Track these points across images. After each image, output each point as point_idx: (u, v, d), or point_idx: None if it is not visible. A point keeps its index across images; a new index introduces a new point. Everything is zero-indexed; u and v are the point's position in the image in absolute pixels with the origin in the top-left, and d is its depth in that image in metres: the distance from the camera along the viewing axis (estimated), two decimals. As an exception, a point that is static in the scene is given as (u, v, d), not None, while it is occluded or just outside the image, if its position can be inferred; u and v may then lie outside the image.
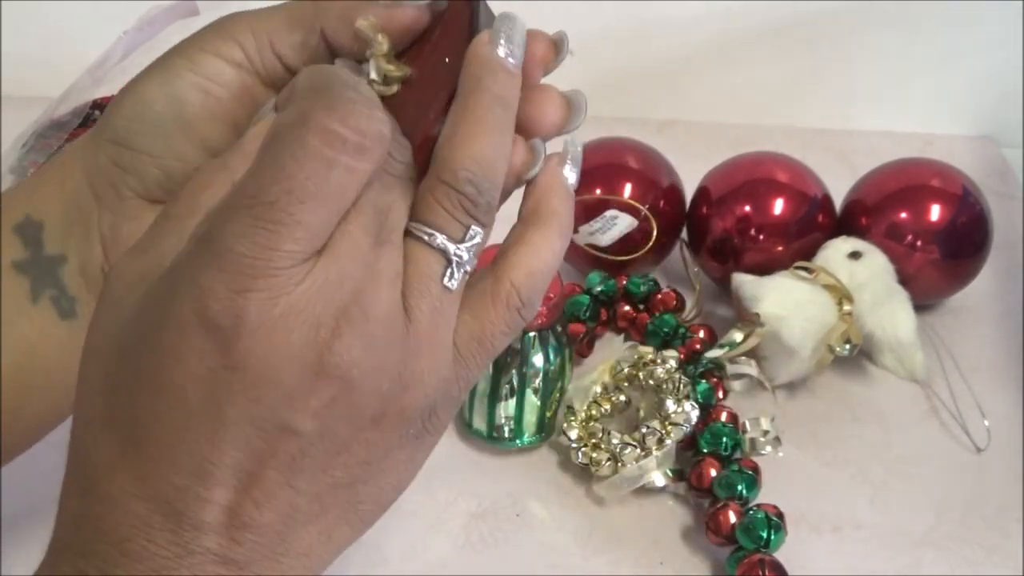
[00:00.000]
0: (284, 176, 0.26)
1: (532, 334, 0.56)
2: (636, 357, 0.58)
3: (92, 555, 0.27)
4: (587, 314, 0.63)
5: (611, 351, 0.59)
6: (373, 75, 0.32)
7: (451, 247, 0.29)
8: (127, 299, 0.28)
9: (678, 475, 0.54)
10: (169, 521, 0.27)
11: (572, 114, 0.33)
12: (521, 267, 0.31)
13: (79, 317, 0.38)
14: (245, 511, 0.27)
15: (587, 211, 0.64)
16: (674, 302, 0.64)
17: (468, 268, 0.30)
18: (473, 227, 0.29)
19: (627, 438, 0.54)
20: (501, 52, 0.31)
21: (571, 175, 0.33)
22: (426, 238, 0.29)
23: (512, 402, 0.56)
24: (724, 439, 0.54)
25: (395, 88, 0.32)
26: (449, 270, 0.29)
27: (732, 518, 0.50)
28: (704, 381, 0.57)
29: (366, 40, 0.33)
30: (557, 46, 0.34)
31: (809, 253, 0.63)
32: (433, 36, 0.33)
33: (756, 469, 0.53)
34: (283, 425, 0.27)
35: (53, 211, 0.38)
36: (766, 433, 0.55)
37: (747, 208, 0.64)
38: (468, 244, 0.29)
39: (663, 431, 0.53)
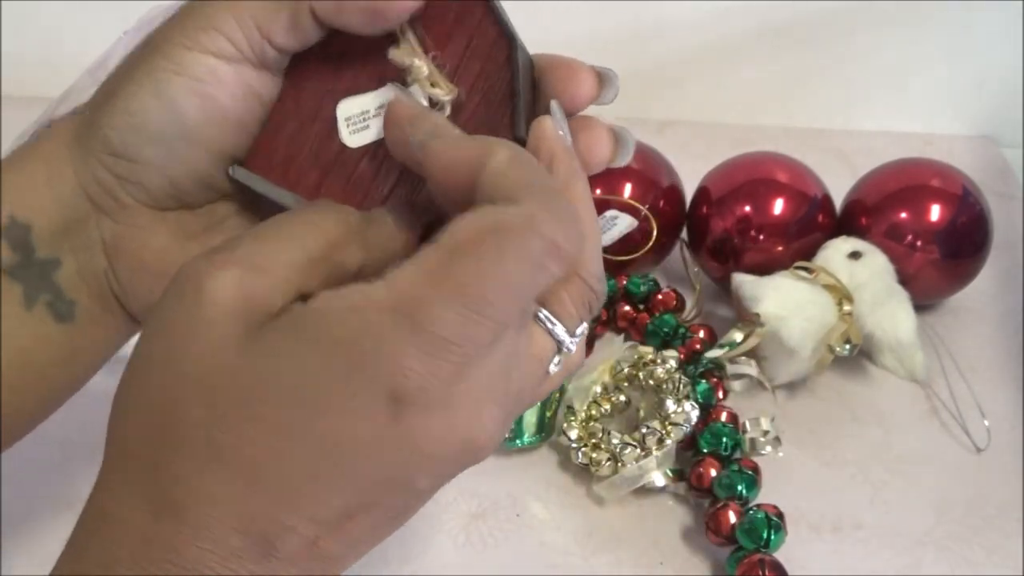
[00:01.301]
0: (502, 274, 0.27)
1: (532, 334, 0.56)
2: (636, 357, 0.58)
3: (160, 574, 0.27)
4: (587, 314, 0.63)
5: (611, 351, 0.59)
6: (425, 102, 0.33)
7: (567, 339, 0.31)
8: (230, 327, 0.27)
9: (678, 475, 0.54)
10: (260, 555, 0.27)
11: (620, 150, 0.36)
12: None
13: (77, 319, 0.38)
14: (326, 546, 0.28)
15: (587, 211, 0.64)
16: (674, 302, 0.64)
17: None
18: (585, 323, 0.32)
19: (627, 438, 0.54)
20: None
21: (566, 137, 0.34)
22: (548, 325, 0.31)
23: (512, 402, 0.56)
24: (724, 439, 0.54)
25: (447, 110, 0.33)
26: (557, 357, 0.31)
27: (732, 518, 0.50)
28: (704, 381, 0.57)
29: (404, 69, 0.33)
30: (603, 81, 0.35)
31: (809, 253, 0.63)
32: (460, 47, 0.33)
33: (756, 469, 0.53)
34: (410, 487, 0.29)
35: (42, 213, 0.36)
36: (766, 433, 0.55)
37: (747, 208, 0.64)
38: (577, 337, 0.31)
39: (663, 431, 0.53)
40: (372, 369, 0.26)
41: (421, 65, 0.33)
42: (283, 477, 0.27)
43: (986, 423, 0.58)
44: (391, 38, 0.34)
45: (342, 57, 0.35)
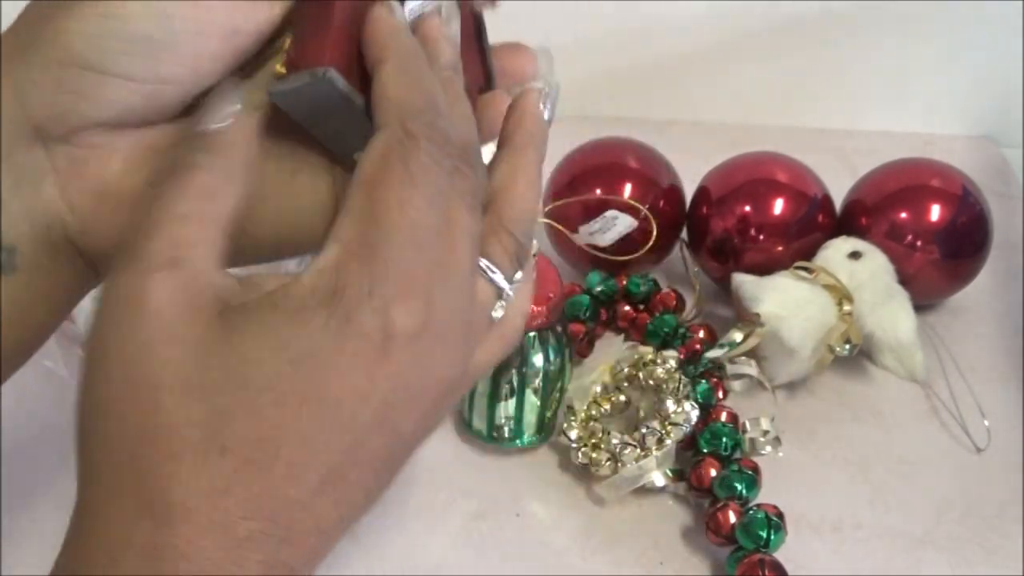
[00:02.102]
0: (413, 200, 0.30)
1: (532, 334, 0.56)
2: (636, 357, 0.58)
3: None
4: (587, 314, 0.63)
5: (611, 351, 0.59)
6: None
7: (506, 286, 0.33)
8: (189, 327, 0.27)
9: (678, 475, 0.54)
10: (268, 539, 0.27)
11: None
12: (513, 204, 0.33)
13: (20, 271, 0.33)
14: (324, 513, 0.28)
15: (587, 211, 0.64)
16: (674, 302, 0.64)
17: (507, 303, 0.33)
18: (519, 271, 0.33)
19: (627, 438, 0.54)
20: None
21: (546, 112, 0.36)
22: (489, 274, 0.32)
23: (512, 402, 0.56)
24: (724, 439, 0.54)
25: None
26: (499, 303, 0.33)
27: (732, 518, 0.50)
28: (704, 381, 0.57)
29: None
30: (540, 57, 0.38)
31: (809, 253, 0.63)
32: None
33: (756, 469, 0.53)
34: (396, 430, 0.29)
35: None
36: (766, 433, 0.55)
37: (747, 208, 0.64)
38: (514, 284, 0.33)
39: (663, 431, 0.53)
40: (357, 317, 0.27)
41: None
42: (286, 449, 0.27)
43: (986, 423, 0.58)
44: None
45: None
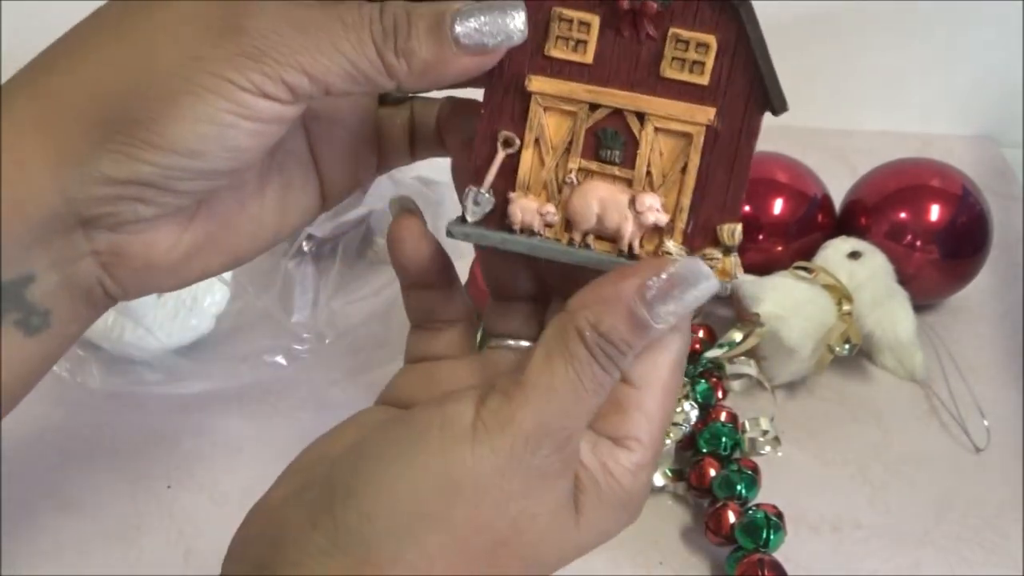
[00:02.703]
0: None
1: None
2: (636, 357, 0.57)
3: None
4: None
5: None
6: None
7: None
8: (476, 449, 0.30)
9: (677, 475, 0.54)
10: None
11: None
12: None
13: (53, 327, 0.34)
14: None
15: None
16: (674, 302, 0.64)
17: None
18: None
19: (627, 438, 0.54)
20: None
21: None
22: None
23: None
24: (723, 439, 0.54)
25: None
26: None
27: (731, 518, 0.50)
28: (704, 381, 0.57)
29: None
30: None
31: (809, 253, 0.63)
32: None
33: (755, 469, 0.53)
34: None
35: (7, 229, 0.31)
36: (765, 433, 0.55)
37: (747, 208, 0.64)
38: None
39: (663, 431, 0.53)
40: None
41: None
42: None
43: (985, 423, 0.58)
44: None
45: None
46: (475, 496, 0.29)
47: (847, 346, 0.58)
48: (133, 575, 0.51)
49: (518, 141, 0.34)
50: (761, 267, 0.62)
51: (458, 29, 0.31)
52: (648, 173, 0.33)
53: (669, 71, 0.33)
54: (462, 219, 0.35)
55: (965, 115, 0.85)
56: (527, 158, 0.34)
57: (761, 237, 0.64)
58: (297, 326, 0.63)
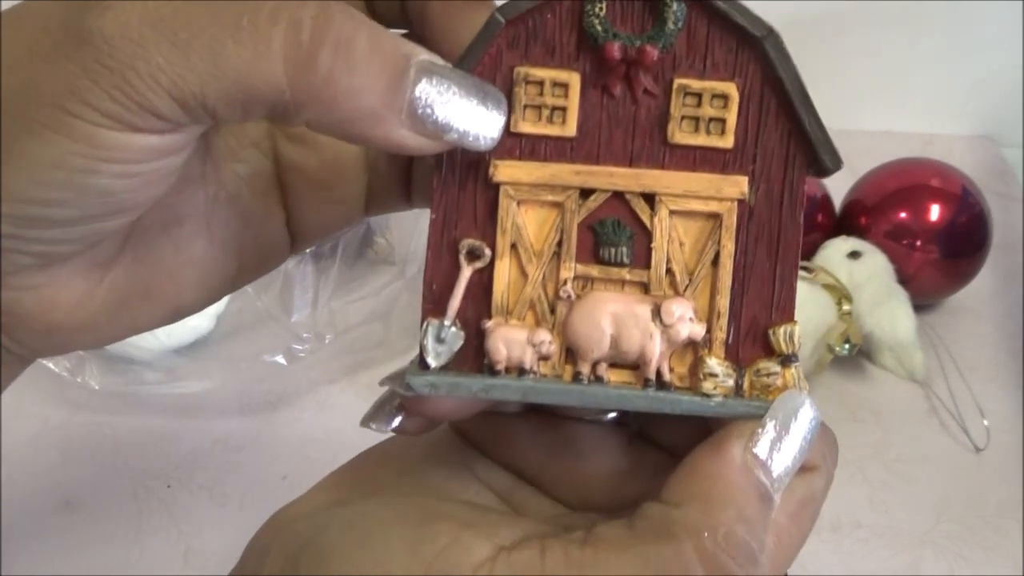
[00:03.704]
0: None
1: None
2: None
3: None
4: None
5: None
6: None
7: None
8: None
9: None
10: None
11: None
12: None
13: None
14: None
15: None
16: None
17: None
18: None
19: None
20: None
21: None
22: None
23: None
24: (724, 439, 0.54)
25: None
26: None
27: (732, 518, 0.50)
28: (704, 381, 0.57)
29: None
30: None
31: (809, 253, 0.63)
32: None
33: (756, 469, 0.52)
34: None
35: None
36: (766, 433, 0.55)
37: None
38: None
39: (663, 431, 0.53)
40: None
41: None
42: None
43: (985, 423, 0.58)
44: None
45: None
46: None
47: (847, 346, 0.58)
48: (133, 575, 0.51)
49: (488, 251, 0.26)
50: (761, 267, 0.62)
51: (416, 93, 0.23)
52: (669, 271, 0.26)
53: (680, 135, 0.25)
54: (423, 363, 0.26)
55: (965, 115, 0.86)
56: (503, 271, 0.26)
57: (761, 237, 0.64)
58: (297, 326, 0.62)
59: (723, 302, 0.26)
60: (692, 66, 0.25)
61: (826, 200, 0.66)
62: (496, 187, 0.25)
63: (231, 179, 0.29)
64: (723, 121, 0.25)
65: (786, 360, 0.26)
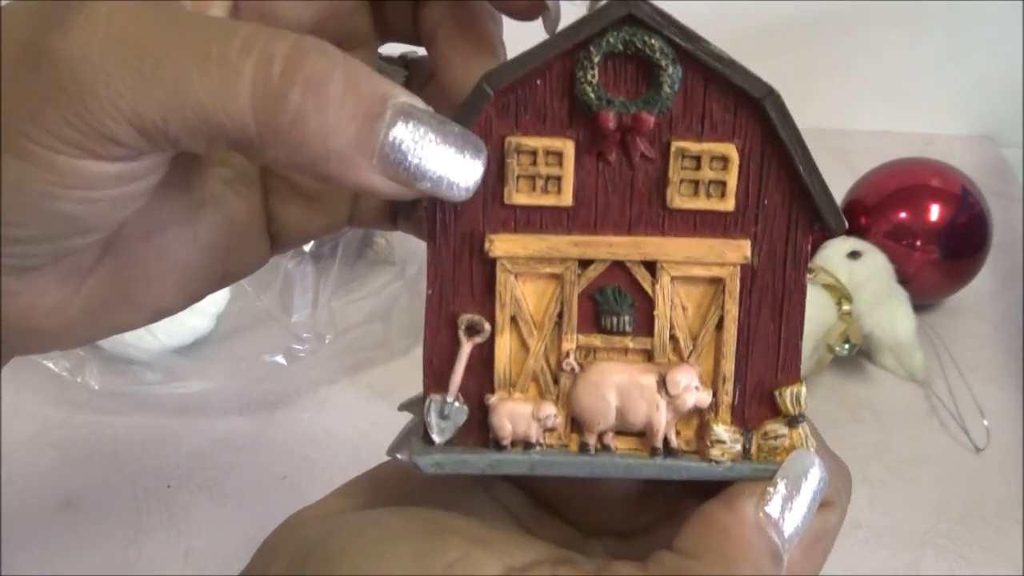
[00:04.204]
0: None
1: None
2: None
3: None
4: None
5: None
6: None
7: None
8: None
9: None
10: None
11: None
12: None
13: None
14: None
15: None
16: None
17: None
18: None
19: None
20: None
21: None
22: None
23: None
24: (724, 439, 0.54)
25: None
26: None
27: (732, 518, 0.50)
28: (704, 381, 0.57)
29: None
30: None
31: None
32: None
33: (756, 469, 0.52)
34: None
35: None
36: (766, 433, 0.55)
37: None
38: None
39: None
40: None
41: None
42: None
43: (985, 423, 0.58)
44: None
45: None
46: None
47: (847, 346, 0.58)
48: (133, 575, 0.51)
49: (487, 325, 0.25)
50: (761, 267, 0.62)
51: (392, 135, 0.22)
52: (672, 338, 0.26)
53: (679, 199, 0.25)
54: (427, 439, 0.26)
55: (965, 115, 0.86)
56: (504, 346, 0.26)
57: (761, 237, 0.64)
58: (297, 326, 0.63)
59: (728, 366, 0.25)
60: (689, 128, 0.24)
61: (826, 200, 0.66)
62: (492, 261, 0.25)
63: (216, 184, 0.29)
64: (723, 183, 0.25)
65: (793, 421, 0.26)
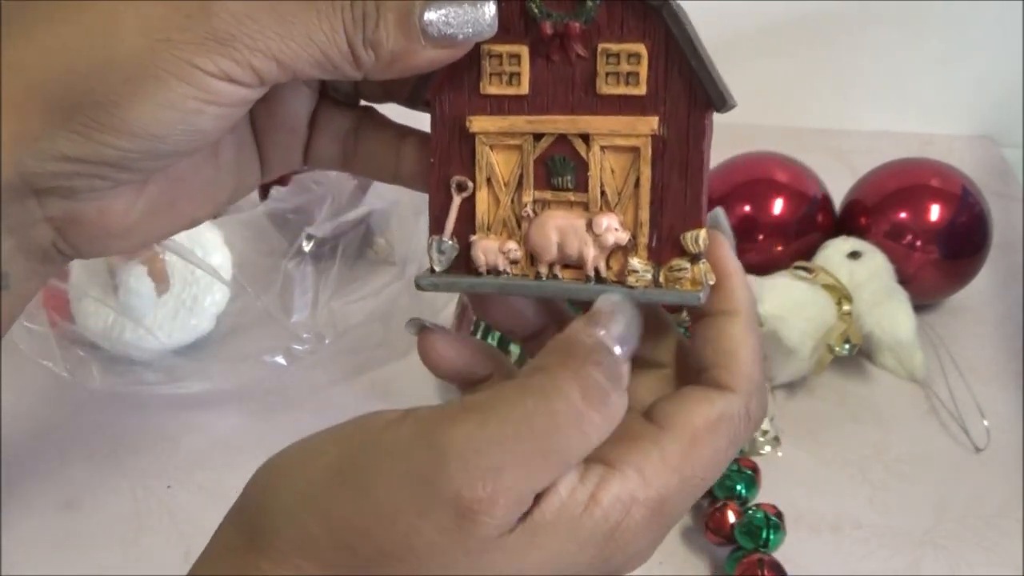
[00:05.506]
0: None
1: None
2: (636, 357, 0.57)
3: None
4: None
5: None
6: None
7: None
8: (510, 540, 0.29)
9: (678, 475, 0.54)
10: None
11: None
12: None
13: (12, 287, 0.34)
14: None
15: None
16: (674, 302, 0.64)
17: None
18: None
19: (627, 438, 0.54)
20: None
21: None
22: None
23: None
24: (723, 439, 0.54)
25: None
26: None
27: (731, 518, 0.50)
28: (704, 381, 0.57)
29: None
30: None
31: (809, 253, 0.63)
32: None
33: (755, 469, 0.53)
34: None
35: None
36: (765, 433, 0.55)
37: (747, 208, 0.64)
38: None
39: (662, 431, 0.53)
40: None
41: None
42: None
43: (985, 423, 0.58)
44: None
45: None
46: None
47: (847, 346, 0.58)
48: (133, 575, 0.51)
49: (471, 184, 0.34)
50: (761, 267, 0.62)
51: (427, 20, 0.31)
52: (603, 194, 0.33)
53: (605, 87, 0.32)
54: (430, 270, 0.35)
55: (965, 115, 0.86)
56: (482, 199, 0.34)
57: (761, 237, 0.64)
58: (297, 326, 0.63)
59: (644, 215, 0.33)
60: (612, 33, 0.32)
61: (826, 200, 0.66)
62: (473, 136, 0.34)
63: None
64: (637, 74, 0.32)
65: (695, 258, 0.32)
